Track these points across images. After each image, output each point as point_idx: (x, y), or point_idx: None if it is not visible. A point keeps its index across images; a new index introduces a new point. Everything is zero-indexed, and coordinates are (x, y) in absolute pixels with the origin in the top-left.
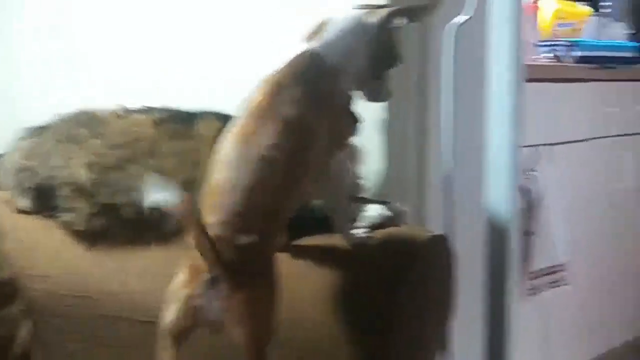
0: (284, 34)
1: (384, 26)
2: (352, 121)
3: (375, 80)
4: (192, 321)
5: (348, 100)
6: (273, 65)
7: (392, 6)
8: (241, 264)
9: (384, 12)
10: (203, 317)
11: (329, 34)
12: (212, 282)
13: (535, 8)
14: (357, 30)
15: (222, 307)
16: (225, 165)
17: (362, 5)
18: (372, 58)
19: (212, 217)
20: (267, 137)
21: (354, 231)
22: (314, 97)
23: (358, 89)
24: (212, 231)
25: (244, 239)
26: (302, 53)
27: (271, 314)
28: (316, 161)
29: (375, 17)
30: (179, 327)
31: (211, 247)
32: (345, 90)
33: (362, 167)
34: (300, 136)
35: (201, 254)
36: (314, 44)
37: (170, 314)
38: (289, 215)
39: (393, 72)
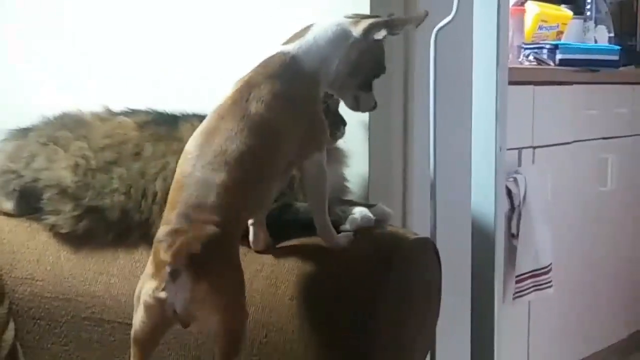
0: (289, 35)
1: (366, 37)
2: (329, 125)
3: (358, 90)
4: (161, 319)
5: (332, 104)
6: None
7: (376, 17)
8: (200, 254)
9: (366, 22)
10: (170, 311)
11: (307, 39)
12: (173, 275)
13: (522, 11)
14: (338, 39)
15: (187, 298)
16: (186, 160)
17: (353, 14)
18: (352, 67)
19: (172, 210)
20: (227, 133)
21: (335, 233)
22: (283, 98)
23: (340, 97)
24: (172, 224)
25: (198, 231)
26: (276, 54)
27: (238, 299)
28: (283, 162)
29: (357, 27)
30: (147, 328)
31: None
32: (322, 95)
33: (347, 169)
34: (262, 135)
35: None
36: (291, 47)
37: (138, 315)
38: (250, 209)
39: (376, 81)
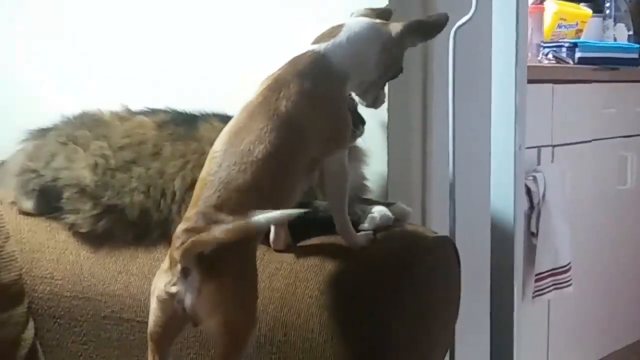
0: (289, 35)
1: (400, 40)
2: (352, 124)
3: (376, 88)
4: (173, 314)
5: (350, 103)
6: (277, 65)
7: (407, 20)
8: (211, 255)
9: (400, 26)
10: (180, 307)
11: (340, 38)
12: (184, 272)
13: (541, 9)
14: (372, 39)
15: (195, 297)
16: (213, 158)
17: (367, 9)
18: (379, 68)
19: (194, 208)
20: (255, 132)
21: (354, 232)
22: (311, 96)
23: (361, 96)
24: (190, 221)
25: (213, 231)
26: (306, 52)
27: (245, 305)
28: (307, 160)
29: (391, 30)
30: (161, 323)
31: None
32: (348, 93)
33: (366, 168)
34: (289, 134)
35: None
36: (322, 46)
37: (153, 310)
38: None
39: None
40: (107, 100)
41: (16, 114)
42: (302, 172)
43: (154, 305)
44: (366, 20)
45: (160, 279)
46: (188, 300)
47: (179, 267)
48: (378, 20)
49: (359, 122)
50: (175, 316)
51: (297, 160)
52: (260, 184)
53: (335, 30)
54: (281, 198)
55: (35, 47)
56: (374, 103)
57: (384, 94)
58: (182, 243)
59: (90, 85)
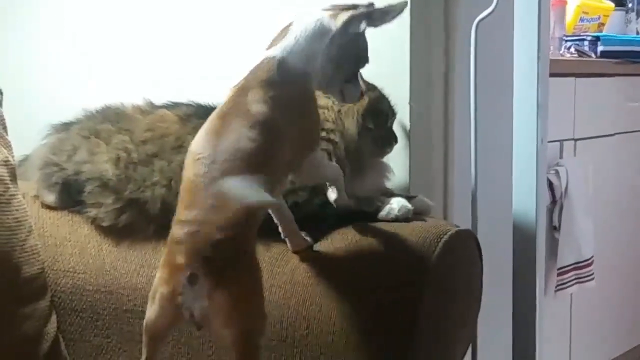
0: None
1: (345, 30)
2: (382, 140)
3: (343, 83)
4: (175, 319)
5: (386, 120)
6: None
7: (354, 8)
8: (220, 260)
9: (345, 15)
10: (186, 315)
11: (289, 40)
12: (191, 280)
13: (563, 3)
14: (318, 35)
15: (205, 306)
16: (197, 160)
17: (331, 5)
18: (335, 62)
19: (189, 213)
20: (235, 131)
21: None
22: (279, 101)
23: (328, 92)
24: (189, 227)
25: (219, 234)
26: (263, 60)
27: (257, 308)
28: (283, 162)
29: (335, 21)
30: (160, 325)
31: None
32: (314, 91)
33: (389, 161)
34: (268, 132)
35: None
36: (275, 51)
37: (152, 312)
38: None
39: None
40: (107, 99)
41: (41, 112)
42: (280, 174)
43: (156, 309)
44: (314, 14)
45: (160, 288)
46: (197, 310)
47: (184, 274)
48: (326, 13)
49: (392, 139)
50: (179, 320)
51: (277, 158)
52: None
53: (284, 32)
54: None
55: (59, 45)
56: (344, 97)
57: (355, 86)
58: (186, 248)
59: (115, 81)
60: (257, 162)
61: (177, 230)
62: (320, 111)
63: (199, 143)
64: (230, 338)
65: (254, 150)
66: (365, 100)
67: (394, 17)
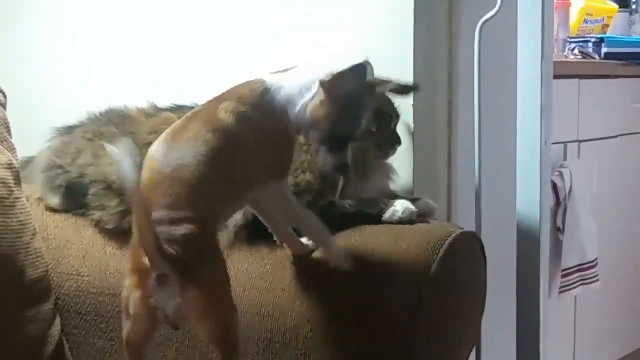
0: (289, 35)
1: (328, 88)
2: (385, 142)
3: (319, 144)
4: (152, 324)
5: (389, 121)
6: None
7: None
8: (186, 257)
9: (335, 74)
10: (161, 316)
11: (286, 77)
12: (160, 280)
13: (567, 4)
14: (305, 85)
15: (178, 304)
16: (154, 159)
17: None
18: (310, 118)
19: (147, 211)
20: (194, 132)
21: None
22: (248, 122)
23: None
24: (149, 227)
25: (180, 231)
26: (253, 80)
27: (228, 300)
28: (241, 178)
29: (324, 76)
30: (139, 334)
31: (155, 240)
32: (291, 133)
33: (392, 163)
34: (225, 141)
35: (145, 250)
36: (269, 78)
37: (129, 323)
38: (223, 206)
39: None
40: (106, 100)
41: (44, 111)
42: (235, 187)
43: (131, 321)
44: (317, 71)
45: (132, 295)
46: (171, 309)
47: (152, 276)
48: (329, 70)
49: (395, 141)
50: (155, 324)
51: (234, 170)
52: (204, 179)
53: (288, 69)
54: (227, 198)
55: (63, 48)
56: (329, 166)
57: (332, 156)
58: (151, 250)
59: (119, 83)
60: (209, 164)
61: (137, 233)
62: None
63: (157, 143)
64: (208, 333)
65: (207, 152)
66: None
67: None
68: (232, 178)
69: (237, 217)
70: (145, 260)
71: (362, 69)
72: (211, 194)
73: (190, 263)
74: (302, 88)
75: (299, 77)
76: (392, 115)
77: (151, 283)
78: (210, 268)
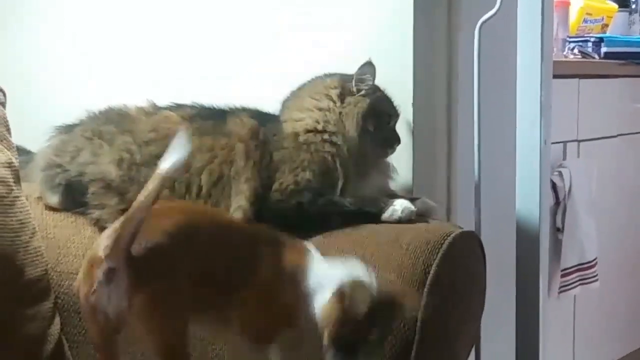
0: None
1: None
2: (385, 140)
3: None
4: (97, 322)
5: (387, 120)
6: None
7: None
8: (142, 257)
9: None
10: (100, 317)
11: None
12: (109, 275)
13: (567, 4)
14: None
15: (123, 307)
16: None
17: None
18: None
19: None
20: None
21: None
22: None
23: None
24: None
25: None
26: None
27: (179, 323)
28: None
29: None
30: (95, 332)
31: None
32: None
33: (392, 164)
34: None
35: (119, 234)
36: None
37: (87, 325)
38: None
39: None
40: (106, 100)
41: (43, 110)
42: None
43: (83, 316)
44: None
45: (82, 286)
46: (112, 311)
47: (100, 268)
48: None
49: (395, 140)
50: (105, 325)
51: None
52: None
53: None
54: None
55: (62, 47)
56: None
57: None
58: (110, 242)
59: (118, 82)
60: None
61: (106, 230)
62: (322, 113)
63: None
64: (148, 344)
65: None
66: (367, 102)
67: None
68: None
69: None
70: (102, 249)
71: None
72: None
73: (147, 265)
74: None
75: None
76: (392, 114)
77: (97, 276)
78: (165, 279)
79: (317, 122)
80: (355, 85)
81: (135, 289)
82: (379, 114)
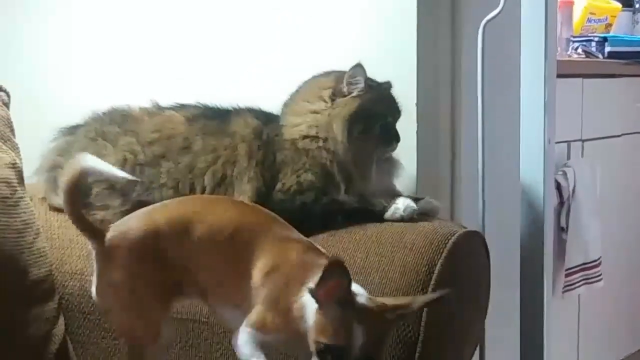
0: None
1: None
2: (384, 139)
3: None
4: None
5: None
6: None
7: None
8: (109, 240)
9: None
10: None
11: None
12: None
13: (570, 3)
14: None
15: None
16: None
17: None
18: None
19: None
20: None
21: None
22: None
23: None
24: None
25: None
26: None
27: (143, 310)
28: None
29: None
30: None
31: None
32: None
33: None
34: None
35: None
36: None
37: None
38: None
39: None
40: (108, 100)
41: (47, 111)
42: None
43: None
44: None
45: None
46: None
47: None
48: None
49: (394, 138)
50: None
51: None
52: None
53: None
54: None
55: (67, 48)
56: None
57: None
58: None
59: (121, 83)
60: None
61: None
62: (314, 117)
63: None
64: (115, 331)
65: None
66: (356, 104)
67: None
68: None
69: None
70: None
71: None
72: None
73: (113, 247)
74: None
75: None
76: (387, 113)
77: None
78: (133, 267)
79: (311, 127)
80: (347, 86)
81: (102, 272)
82: (371, 114)
